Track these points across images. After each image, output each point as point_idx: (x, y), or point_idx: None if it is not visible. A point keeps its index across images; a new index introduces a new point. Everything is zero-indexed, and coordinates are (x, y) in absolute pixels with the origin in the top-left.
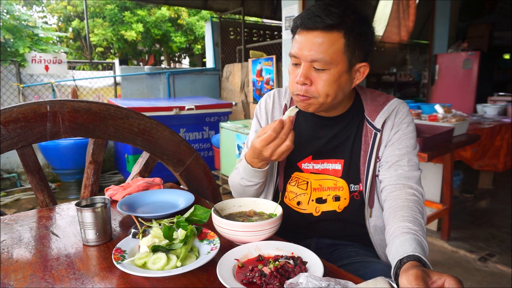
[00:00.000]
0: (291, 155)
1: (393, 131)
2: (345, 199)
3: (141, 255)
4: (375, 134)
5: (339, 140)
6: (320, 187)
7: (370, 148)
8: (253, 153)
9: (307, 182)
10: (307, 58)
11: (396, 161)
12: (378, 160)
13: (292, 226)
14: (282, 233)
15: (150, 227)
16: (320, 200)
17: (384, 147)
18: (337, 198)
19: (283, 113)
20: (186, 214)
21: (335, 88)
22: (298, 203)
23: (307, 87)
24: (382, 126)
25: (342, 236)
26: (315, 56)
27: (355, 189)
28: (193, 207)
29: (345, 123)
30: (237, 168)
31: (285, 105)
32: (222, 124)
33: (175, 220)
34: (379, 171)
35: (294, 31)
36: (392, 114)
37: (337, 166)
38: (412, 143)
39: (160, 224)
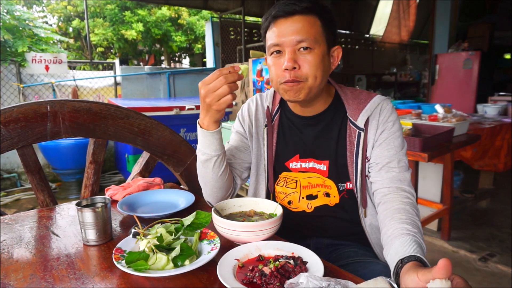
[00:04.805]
0: (279, 155)
1: (379, 131)
2: (334, 197)
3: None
4: (359, 134)
5: (322, 140)
6: (310, 184)
7: (355, 148)
8: (200, 102)
9: (296, 181)
10: (292, 42)
11: (387, 163)
12: (367, 160)
13: (288, 226)
14: (281, 233)
15: (151, 227)
16: (310, 197)
17: (371, 147)
18: (327, 194)
19: (266, 116)
20: (188, 221)
21: (321, 69)
22: (289, 202)
23: (296, 71)
24: (366, 125)
25: (340, 235)
26: (300, 37)
27: (343, 188)
28: (194, 213)
29: (327, 122)
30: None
31: (267, 107)
32: (222, 124)
33: (180, 229)
34: (369, 172)
35: (267, 27)
36: (376, 112)
37: (322, 167)
38: (400, 142)
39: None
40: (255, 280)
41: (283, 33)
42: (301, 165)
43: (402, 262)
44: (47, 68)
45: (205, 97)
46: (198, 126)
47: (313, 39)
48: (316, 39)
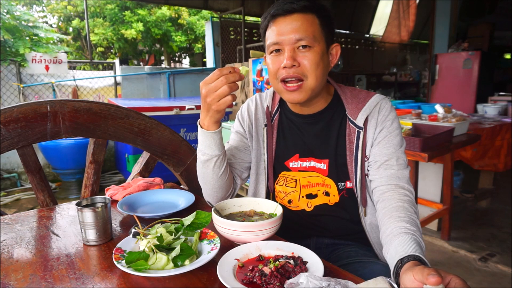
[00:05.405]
0: (279, 155)
1: (378, 129)
2: (334, 196)
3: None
4: (358, 132)
5: (322, 139)
6: (309, 183)
7: (355, 147)
8: (201, 101)
9: (296, 180)
10: (291, 40)
11: (385, 161)
12: (366, 159)
13: (288, 225)
14: (281, 233)
15: (151, 227)
16: (310, 196)
17: (370, 146)
18: (327, 193)
19: (266, 115)
20: (188, 220)
21: (321, 67)
22: (289, 201)
23: (295, 68)
24: (365, 124)
25: (340, 235)
26: (299, 35)
27: (343, 187)
28: (194, 213)
29: (326, 120)
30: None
31: (267, 106)
32: (222, 123)
33: (180, 229)
34: (368, 170)
35: (266, 26)
36: (375, 111)
37: (322, 165)
38: (399, 140)
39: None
40: (255, 280)
41: (282, 31)
42: (300, 164)
43: (401, 262)
44: (47, 68)
45: (206, 97)
46: (199, 127)
47: (312, 37)
48: (315, 37)
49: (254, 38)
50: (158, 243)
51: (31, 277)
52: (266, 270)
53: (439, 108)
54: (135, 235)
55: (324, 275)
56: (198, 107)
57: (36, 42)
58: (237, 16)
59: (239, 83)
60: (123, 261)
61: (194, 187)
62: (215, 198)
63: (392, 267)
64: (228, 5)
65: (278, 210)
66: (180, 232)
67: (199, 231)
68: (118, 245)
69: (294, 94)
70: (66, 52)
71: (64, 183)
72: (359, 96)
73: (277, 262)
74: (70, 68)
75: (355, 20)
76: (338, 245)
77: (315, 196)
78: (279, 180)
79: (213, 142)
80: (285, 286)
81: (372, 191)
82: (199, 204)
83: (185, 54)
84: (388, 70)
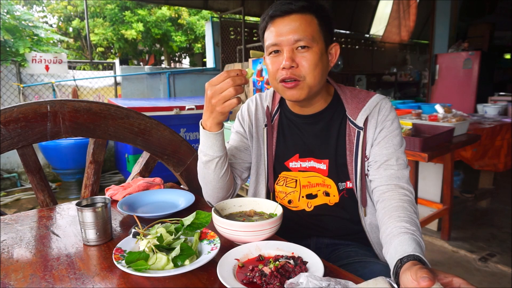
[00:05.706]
0: (279, 155)
1: (378, 129)
2: (334, 196)
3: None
4: (358, 133)
5: (322, 139)
6: (309, 184)
7: (355, 147)
8: (205, 102)
9: (296, 180)
10: (289, 41)
11: (385, 161)
12: (366, 159)
13: (288, 225)
14: (281, 233)
15: (151, 227)
16: (310, 196)
17: (370, 146)
18: (327, 194)
19: (266, 116)
20: (188, 220)
21: (320, 67)
22: (289, 201)
23: (294, 69)
24: (365, 124)
25: (340, 235)
26: (298, 36)
27: (343, 187)
28: (194, 213)
29: (326, 121)
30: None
31: (267, 107)
32: (224, 124)
33: (180, 229)
34: (368, 170)
35: (265, 27)
36: (375, 111)
37: (322, 166)
38: (399, 140)
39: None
40: (255, 280)
41: (281, 32)
42: (300, 164)
43: (401, 261)
44: (47, 68)
45: (211, 98)
46: (201, 127)
47: (310, 37)
48: (313, 38)
49: (254, 38)
50: (158, 243)
51: (31, 277)
52: (266, 270)
53: (439, 108)
54: (135, 235)
55: (324, 275)
56: (198, 107)
57: (36, 42)
58: (237, 16)
59: None
60: (123, 261)
61: (194, 187)
62: (215, 198)
63: (392, 267)
64: (228, 5)
65: (278, 210)
66: (180, 232)
67: (199, 231)
68: (118, 245)
69: (293, 91)
70: (66, 51)
71: (64, 183)
72: (359, 96)
73: (277, 262)
74: (70, 68)
75: (355, 20)
76: (338, 245)
77: (315, 196)
78: (279, 180)
79: (215, 143)
80: (285, 286)
81: (372, 191)
82: (199, 204)
83: (185, 54)
84: (388, 70)
